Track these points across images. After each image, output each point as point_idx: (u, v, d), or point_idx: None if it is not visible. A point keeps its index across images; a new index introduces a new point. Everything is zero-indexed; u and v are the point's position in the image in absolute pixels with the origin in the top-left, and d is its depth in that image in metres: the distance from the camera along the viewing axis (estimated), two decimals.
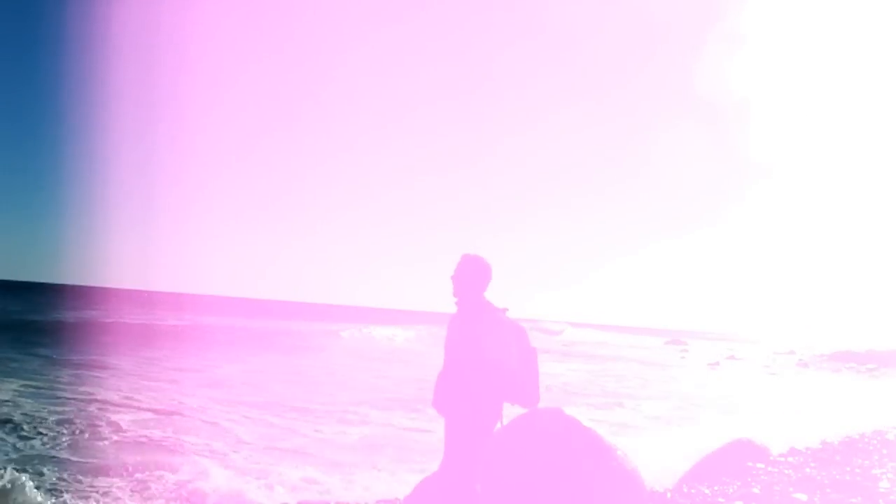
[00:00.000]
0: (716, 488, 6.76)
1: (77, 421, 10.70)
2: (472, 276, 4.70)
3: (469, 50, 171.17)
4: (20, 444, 9.34)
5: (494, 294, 4.71)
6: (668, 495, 6.61)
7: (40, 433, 9.91)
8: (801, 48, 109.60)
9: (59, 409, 11.73)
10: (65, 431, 10.06)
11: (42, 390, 13.76)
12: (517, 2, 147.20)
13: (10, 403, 11.94)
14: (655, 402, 18.57)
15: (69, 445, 9.39)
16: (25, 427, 10.17)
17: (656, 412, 16.42)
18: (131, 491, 7.50)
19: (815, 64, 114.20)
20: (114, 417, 11.17)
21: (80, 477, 7.90)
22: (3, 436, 9.71)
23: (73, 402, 12.58)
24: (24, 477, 6.70)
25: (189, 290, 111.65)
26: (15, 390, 13.44)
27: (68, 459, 8.71)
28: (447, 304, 4.71)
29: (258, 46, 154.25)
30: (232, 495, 7.56)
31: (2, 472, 6.71)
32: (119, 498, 7.24)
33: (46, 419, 10.71)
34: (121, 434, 10.11)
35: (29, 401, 12.36)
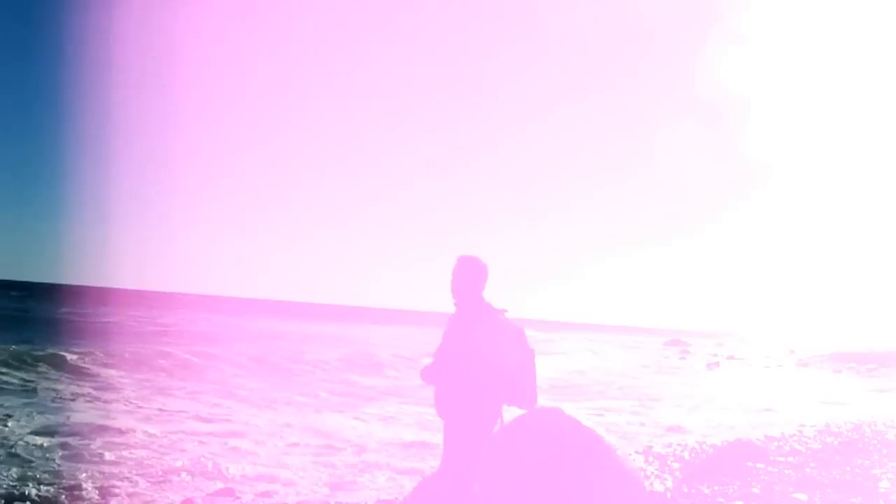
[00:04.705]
0: (716, 488, 6.75)
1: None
2: (468, 277, 4.68)
3: (466, 50, 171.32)
4: None
5: (493, 294, 4.69)
6: (668, 495, 6.60)
7: None
8: (802, 48, 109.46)
9: None
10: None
11: None
12: (515, 1, 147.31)
13: None
14: (655, 403, 18.55)
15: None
16: None
17: (656, 412, 16.40)
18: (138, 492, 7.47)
19: (817, 64, 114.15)
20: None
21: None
22: None
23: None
24: None
25: (188, 291, 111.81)
26: None
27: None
28: (445, 304, 4.70)
29: (259, 47, 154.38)
30: (231, 496, 7.54)
31: None
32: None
33: None
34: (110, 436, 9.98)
35: None
